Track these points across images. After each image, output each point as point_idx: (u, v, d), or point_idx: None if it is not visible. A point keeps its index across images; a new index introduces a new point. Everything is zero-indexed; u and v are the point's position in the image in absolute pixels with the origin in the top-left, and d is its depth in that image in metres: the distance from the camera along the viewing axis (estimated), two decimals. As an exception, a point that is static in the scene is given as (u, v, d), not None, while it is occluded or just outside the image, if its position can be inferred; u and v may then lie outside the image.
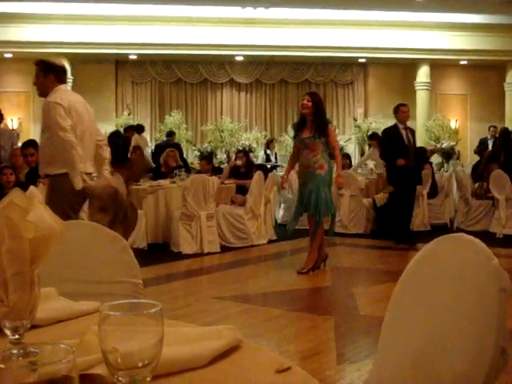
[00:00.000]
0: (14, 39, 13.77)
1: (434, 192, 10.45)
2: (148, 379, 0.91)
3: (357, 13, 14.59)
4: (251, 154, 12.80)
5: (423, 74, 16.38)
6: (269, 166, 12.85)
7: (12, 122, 14.55)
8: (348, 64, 16.85)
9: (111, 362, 0.90)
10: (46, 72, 5.01)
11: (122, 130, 13.60)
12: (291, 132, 15.43)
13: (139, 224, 8.20)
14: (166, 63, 16.23)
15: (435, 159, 13.68)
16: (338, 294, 6.18)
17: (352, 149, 15.97)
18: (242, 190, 8.92)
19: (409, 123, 8.99)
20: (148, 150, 13.32)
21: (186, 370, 1.11)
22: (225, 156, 14.92)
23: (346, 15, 14.65)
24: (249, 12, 14.35)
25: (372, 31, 15.06)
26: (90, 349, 1.05)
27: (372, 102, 16.99)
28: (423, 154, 9.94)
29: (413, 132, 8.90)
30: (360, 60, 16.48)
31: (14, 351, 1.03)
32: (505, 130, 11.71)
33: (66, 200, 4.77)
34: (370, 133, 14.92)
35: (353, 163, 12.54)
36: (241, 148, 13.09)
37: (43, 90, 5.05)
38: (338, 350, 4.19)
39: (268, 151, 13.85)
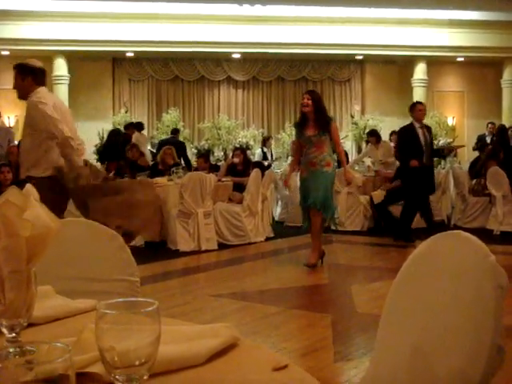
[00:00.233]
0: (10, 37, 13.75)
1: (431, 189, 10.44)
2: (145, 377, 0.91)
3: (354, 10, 14.61)
4: (248, 152, 12.80)
5: (420, 71, 16.39)
6: (266, 164, 12.85)
7: (9, 119, 14.54)
8: (345, 61, 16.84)
9: (108, 361, 0.90)
10: (24, 75, 5.02)
11: (119, 127, 13.62)
12: (288, 130, 15.50)
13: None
14: (163, 61, 16.22)
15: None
16: (335, 291, 6.18)
17: (349, 146, 15.97)
18: (240, 188, 8.92)
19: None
20: (147, 148, 13.35)
21: (183, 368, 1.11)
22: (222, 153, 14.92)
23: (343, 12, 14.65)
24: (246, 9, 14.35)
25: (369, 28, 15.05)
26: (86, 347, 1.05)
27: (369, 100, 17.00)
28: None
29: (429, 130, 8.80)
30: (357, 57, 16.47)
31: (11, 350, 1.03)
32: (502, 127, 11.73)
33: (51, 201, 4.76)
34: (367, 130, 14.92)
35: (350, 160, 12.53)
36: (238, 145, 13.09)
37: (22, 93, 5.07)
38: (335, 347, 4.19)
39: (265, 149, 13.85)
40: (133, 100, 16.41)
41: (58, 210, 4.83)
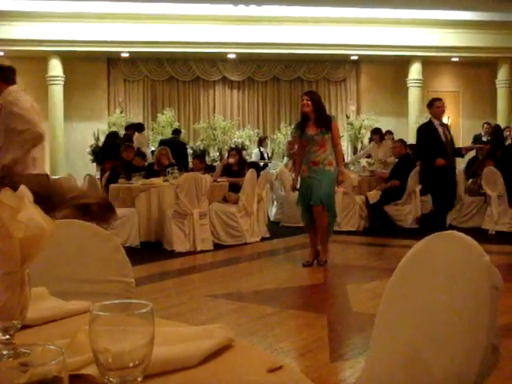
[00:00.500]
0: (5, 37, 13.72)
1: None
2: (139, 379, 0.91)
3: (349, 10, 14.63)
4: (244, 152, 12.80)
5: (415, 72, 16.41)
6: (263, 164, 12.88)
7: None
8: (340, 61, 16.86)
9: (102, 363, 0.89)
10: None
11: (115, 129, 13.67)
12: (284, 130, 15.52)
13: (132, 222, 8.20)
14: (159, 61, 16.21)
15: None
16: (331, 291, 6.19)
17: (345, 146, 15.97)
18: (235, 188, 8.93)
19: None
20: (151, 149, 13.40)
21: (178, 369, 1.11)
22: (217, 154, 14.93)
23: (338, 13, 14.67)
24: (241, 10, 14.35)
25: (364, 29, 15.08)
26: (80, 349, 1.04)
27: (364, 100, 17.02)
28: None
29: (448, 128, 8.45)
30: (352, 57, 16.50)
31: (5, 352, 1.03)
32: (497, 127, 11.75)
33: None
34: (362, 130, 14.95)
35: (345, 160, 12.55)
36: (233, 146, 13.10)
37: None
38: (331, 347, 4.19)
39: (261, 148, 13.86)
40: (128, 100, 16.39)
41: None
